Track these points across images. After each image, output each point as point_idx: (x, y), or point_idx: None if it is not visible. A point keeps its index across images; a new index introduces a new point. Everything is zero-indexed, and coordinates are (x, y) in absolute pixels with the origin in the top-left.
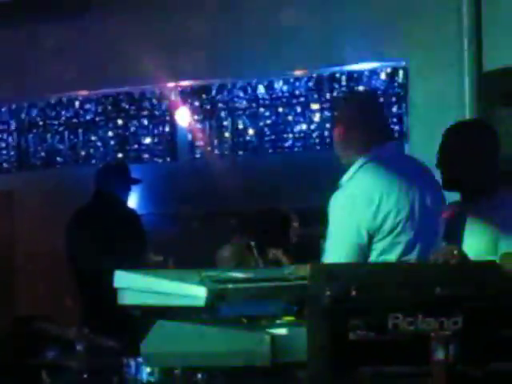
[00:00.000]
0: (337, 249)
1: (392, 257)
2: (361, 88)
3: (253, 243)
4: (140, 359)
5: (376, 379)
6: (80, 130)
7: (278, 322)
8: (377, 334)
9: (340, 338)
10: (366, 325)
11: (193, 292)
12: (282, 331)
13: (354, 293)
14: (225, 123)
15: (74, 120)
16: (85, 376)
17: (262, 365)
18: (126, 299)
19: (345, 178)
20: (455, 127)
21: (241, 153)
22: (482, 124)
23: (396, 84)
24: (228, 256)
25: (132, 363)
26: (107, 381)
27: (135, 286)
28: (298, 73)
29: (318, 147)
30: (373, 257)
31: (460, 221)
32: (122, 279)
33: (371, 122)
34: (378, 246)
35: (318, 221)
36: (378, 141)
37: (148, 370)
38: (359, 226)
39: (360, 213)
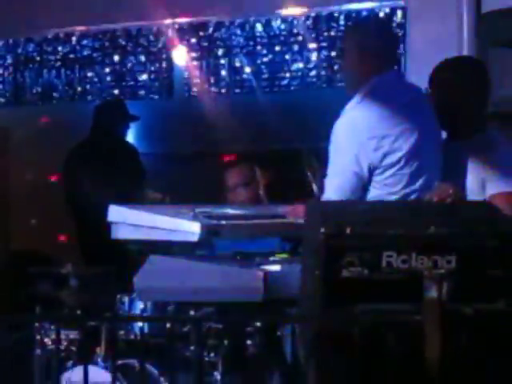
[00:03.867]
0: (337, 177)
1: (395, 189)
2: (366, 15)
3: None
4: (133, 295)
5: (369, 316)
6: (77, 66)
7: (271, 258)
8: (370, 272)
9: (333, 274)
10: (359, 262)
11: (186, 227)
12: (276, 268)
13: (348, 230)
14: (222, 61)
15: (71, 55)
16: (78, 312)
17: (255, 300)
18: (119, 234)
19: (348, 106)
20: (446, 62)
21: (237, 91)
22: (473, 60)
23: (394, 24)
24: (235, 176)
25: (126, 299)
26: (99, 316)
27: (129, 221)
28: (296, 11)
29: (315, 86)
30: (376, 189)
31: (453, 158)
32: (116, 213)
33: (377, 48)
34: (380, 179)
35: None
36: (383, 68)
37: (141, 305)
38: (359, 156)
39: (361, 144)
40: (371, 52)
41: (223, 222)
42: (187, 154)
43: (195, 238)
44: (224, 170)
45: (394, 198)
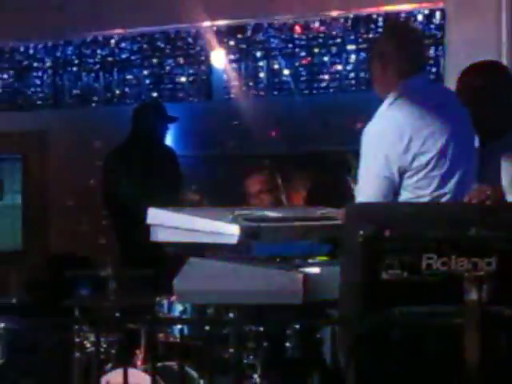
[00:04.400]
0: (367, 182)
1: (425, 192)
2: (399, 20)
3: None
4: (173, 298)
5: (408, 319)
6: (115, 69)
7: (310, 261)
8: (410, 274)
9: (373, 277)
10: (399, 265)
11: (225, 230)
12: (315, 270)
13: (387, 232)
14: (260, 63)
15: (110, 58)
16: (117, 314)
17: (295, 303)
18: (159, 236)
19: (377, 112)
20: (471, 66)
21: (276, 93)
22: (499, 64)
23: (433, 26)
24: (254, 186)
25: (165, 302)
26: (138, 318)
27: (168, 223)
28: (334, 13)
29: (354, 88)
30: (407, 192)
31: (487, 160)
32: (155, 216)
33: (407, 54)
34: (410, 182)
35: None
36: (412, 73)
37: (180, 308)
38: (389, 161)
39: (390, 148)
40: (398, 57)
41: (262, 225)
42: (226, 155)
43: (234, 241)
44: (245, 178)
45: (424, 200)
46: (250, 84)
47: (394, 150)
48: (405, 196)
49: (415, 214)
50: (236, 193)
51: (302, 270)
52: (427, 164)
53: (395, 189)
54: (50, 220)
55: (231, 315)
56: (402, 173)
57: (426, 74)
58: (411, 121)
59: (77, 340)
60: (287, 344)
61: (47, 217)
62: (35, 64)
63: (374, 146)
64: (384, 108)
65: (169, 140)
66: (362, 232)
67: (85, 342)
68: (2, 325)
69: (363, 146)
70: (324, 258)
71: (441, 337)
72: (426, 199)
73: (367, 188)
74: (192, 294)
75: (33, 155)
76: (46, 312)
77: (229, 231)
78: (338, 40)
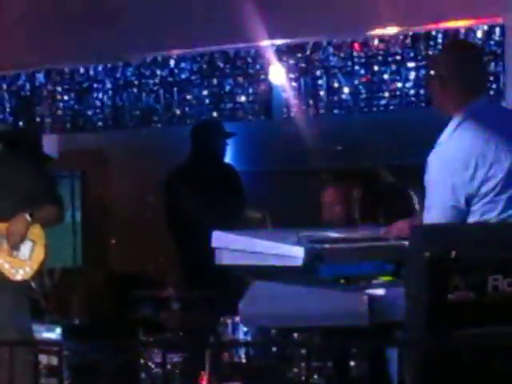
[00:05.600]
0: (434, 210)
1: (492, 215)
2: (459, 39)
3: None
4: (236, 318)
5: (475, 340)
6: (175, 89)
7: (375, 281)
8: (476, 295)
9: (439, 298)
10: (465, 286)
11: (290, 252)
12: (380, 291)
13: (453, 254)
14: (320, 82)
15: (169, 79)
16: (180, 334)
17: (361, 325)
18: (224, 259)
19: (442, 137)
20: None
21: (336, 111)
22: None
23: (492, 42)
24: (330, 199)
25: (229, 322)
26: (203, 339)
27: (233, 246)
28: (393, 30)
29: (414, 105)
30: (473, 217)
31: None
32: (220, 239)
33: (469, 74)
34: (477, 208)
35: (413, 179)
36: (475, 94)
37: (245, 328)
38: (457, 189)
39: (457, 176)
40: (460, 78)
41: (327, 246)
42: (287, 171)
43: (299, 263)
44: (321, 188)
45: None
46: (310, 102)
47: (460, 178)
48: (471, 221)
49: (481, 235)
50: (298, 208)
51: (367, 291)
52: (494, 188)
53: (462, 217)
54: (110, 238)
55: (295, 335)
56: (469, 200)
57: (487, 95)
58: (477, 147)
59: (142, 361)
60: (352, 363)
61: (105, 236)
62: (95, 85)
63: (440, 174)
64: (448, 133)
65: (229, 156)
66: (427, 253)
67: (150, 363)
68: (67, 347)
69: (429, 172)
70: (388, 278)
71: (508, 357)
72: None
73: (434, 217)
74: (258, 317)
75: (92, 173)
76: (109, 332)
77: (294, 254)
78: (398, 57)
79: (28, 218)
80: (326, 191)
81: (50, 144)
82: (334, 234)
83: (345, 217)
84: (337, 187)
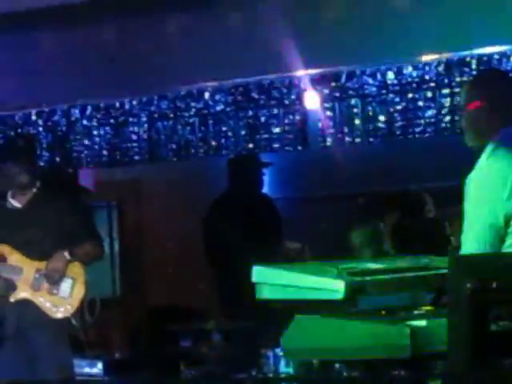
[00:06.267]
0: (473, 231)
1: None
2: (492, 67)
3: (382, 225)
4: (277, 350)
5: None
6: (210, 121)
7: (416, 312)
8: None
9: (481, 329)
10: (507, 315)
11: (331, 286)
12: (422, 323)
13: (494, 284)
14: (355, 110)
15: (205, 111)
16: (222, 367)
17: (403, 357)
18: (265, 294)
19: (479, 163)
20: None
21: (371, 139)
22: None
23: None
24: (358, 242)
25: (270, 354)
26: (245, 372)
27: (273, 281)
28: (427, 57)
29: (449, 132)
30: (511, 238)
31: None
32: (260, 274)
33: (505, 100)
34: None
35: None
36: (509, 120)
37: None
38: (495, 208)
39: (495, 194)
40: (499, 103)
41: (367, 279)
42: (323, 196)
43: (340, 296)
44: (349, 230)
45: None
46: (346, 131)
47: (498, 197)
48: (509, 242)
49: None
50: (335, 239)
51: (408, 322)
52: None
53: (501, 236)
54: (147, 268)
55: (337, 366)
56: (507, 219)
57: None
58: None
59: None
60: None
61: (142, 268)
62: (131, 119)
63: (478, 195)
64: (484, 158)
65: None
66: (468, 284)
67: None
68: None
69: (467, 196)
70: (430, 308)
71: None
72: None
73: (473, 237)
74: (299, 351)
75: (128, 203)
76: (149, 366)
77: (334, 287)
78: (432, 84)
79: (67, 255)
80: (353, 234)
81: (86, 176)
82: (373, 265)
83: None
84: (363, 229)
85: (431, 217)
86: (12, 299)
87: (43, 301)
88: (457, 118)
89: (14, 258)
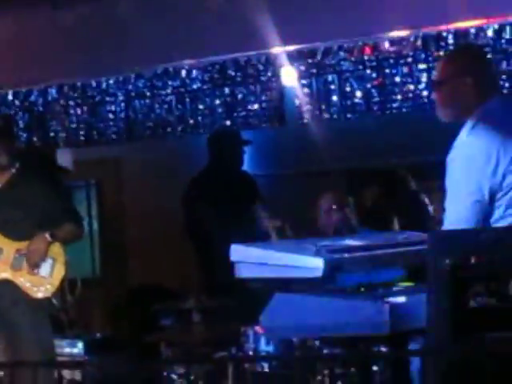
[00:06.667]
0: (459, 207)
1: None
2: (468, 43)
3: (350, 198)
4: (257, 328)
5: (497, 346)
6: (187, 99)
7: (395, 288)
8: (498, 301)
9: (460, 305)
10: (486, 292)
11: (310, 263)
12: (401, 299)
13: (473, 259)
14: (332, 86)
15: (181, 89)
16: (203, 346)
17: (382, 334)
18: (243, 272)
19: (458, 140)
20: None
21: (349, 115)
22: None
23: (503, 40)
24: (325, 203)
25: (250, 332)
26: (226, 350)
27: (251, 259)
28: (403, 33)
29: (427, 107)
30: (498, 213)
31: None
32: (238, 252)
33: (483, 74)
34: (501, 202)
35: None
36: (488, 95)
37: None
38: (480, 184)
39: (479, 171)
40: (478, 78)
41: (346, 256)
42: (299, 173)
43: (319, 274)
44: (317, 195)
45: None
46: (323, 107)
47: (483, 173)
48: (496, 216)
49: (500, 240)
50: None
51: (387, 299)
52: None
53: (487, 212)
54: (125, 250)
55: (317, 343)
56: (493, 195)
57: (500, 95)
58: (496, 142)
59: (164, 373)
60: (375, 368)
61: (123, 246)
62: (108, 98)
63: (462, 172)
64: (465, 135)
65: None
66: (448, 260)
67: (172, 375)
68: (89, 362)
69: (450, 174)
70: (408, 284)
71: None
72: None
73: (459, 213)
74: (279, 329)
75: (107, 182)
76: (131, 345)
77: (313, 265)
78: (409, 59)
79: (48, 237)
80: (322, 198)
81: (64, 155)
82: (351, 242)
83: (340, 222)
84: (332, 194)
85: (412, 192)
86: None
87: (23, 281)
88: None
89: None
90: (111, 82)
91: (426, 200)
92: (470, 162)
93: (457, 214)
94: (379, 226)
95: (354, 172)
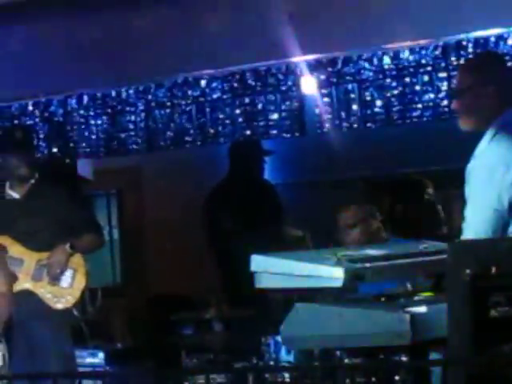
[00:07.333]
0: (477, 216)
1: None
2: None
3: (374, 208)
4: (278, 338)
5: None
6: (207, 109)
7: (416, 298)
8: None
9: (481, 315)
10: (507, 302)
11: (330, 273)
12: (421, 309)
13: (494, 270)
14: (352, 95)
15: (201, 99)
16: (223, 355)
17: (403, 344)
18: (264, 283)
19: (479, 149)
20: None
21: (369, 125)
22: None
23: None
24: (348, 217)
25: (271, 342)
26: (246, 360)
27: (271, 270)
28: (423, 41)
29: (447, 116)
30: None
31: None
32: (258, 262)
33: (506, 85)
34: None
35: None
36: (510, 105)
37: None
38: (499, 193)
39: (499, 179)
40: (500, 87)
41: (367, 265)
42: (322, 181)
43: (339, 284)
44: (336, 212)
45: None
46: (343, 116)
47: (503, 182)
48: None
49: None
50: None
51: (408, 309)
52: None
53: (505, 222)
54: (147, 256)
55: (338, 352)
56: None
57: None
58: None
59: (185, 383)
60: (396, 378)
61: (145, 253)
62: (128, 108)
63: (482, 181)
64: (485, 144)
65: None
66: (467, 270)
67: None
68: (110, 372)
69: (469, 183)
70: (429, 294)
71: None
72: None
73: (477, 223)
74: (299, 339)
75: (128, 191)
76: (151, 355)
77: (333, 275)
78: (429, 68)
79: (68, 248)
80: (340, 215)
81: (84, 165)
82: (372, 252)
83: (363, 239)
84: (351, 210)
85: (430, 201)
86: (13, 290)
87: (44, 292)
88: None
89: (15, 249)
90: (131, 91)
91: (439, 208)
92: (489, 172)
93: (475, 223)
94: (405, 235)
95: (375, 181)
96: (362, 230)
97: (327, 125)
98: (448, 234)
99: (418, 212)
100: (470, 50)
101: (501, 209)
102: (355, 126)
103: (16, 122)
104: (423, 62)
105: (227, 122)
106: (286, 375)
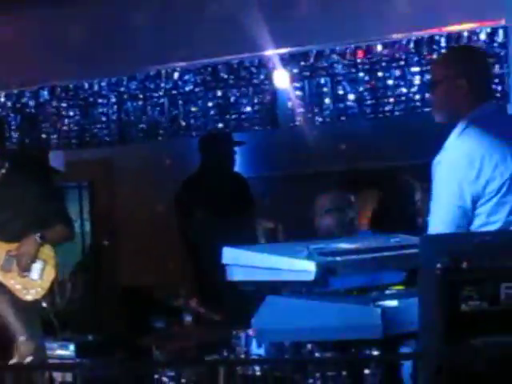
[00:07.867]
0: (440, 212)
1: (498, 217)
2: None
3: (352, 198)
4: (249, 332)
5: (489, 350)
6: (180, 102)
7: (387, 292)
8: (489, 305)
9: (452, 309)
10: (478, 295)
11: (302, 267)
12: (393, 303)
13: (465, 264)
14: (324, 89)
15: (174, 91)
16: (193, 347)
17: (374, 338)
18: (235, 275)
19: (447, 143)
20: None
21: (342, 118)
22: None
23: (496, 44)
24: (325, 202)
25: (242, 335)
26: (216, 352)
27: (243, 262)
28: (396, 36)
29: (420, 110)
30: (479, 220)
31: None
32: (230, 255)
33: (478, 79)
34: (483, 209)
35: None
36: (482, 99)
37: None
38: (462, 189)
39: (462, 176)
40: (471, 81)
41: (338, 259)
42: (293, 175)
43: (311, 277)
44: (309, 197)
45: (497, 226)
46: (316, 110)
47: (466, 177)
48: (477, 223)
49: (491, 243)
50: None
51: (379, 303)
52: (499, 189)
53: (468, 218)
54: (116, 250)
55: (309, 346)
56: (475, 200)
57: (494, 100)
58: (482, 147)
59: (155, 376)
60: (366, 371)
61: (114, 247)
62: (100, 100)
63: (446, 176)
64: (454, 138)
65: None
66: (439, 264)
67: (163, 378)
68: (81, 367)
69: (435, 176)
70: (400, 288)
71: None
72: (498, 225)
73: (440, 217)
74: (271, 332)
75: (100, 183)
76: (122, 347)
77: (305, 268)
78: (402, 62)
79: (38, 239)
80: (319, 199)
81: (56, 156)
82: (344, 245)
83: (338, 226)
84: (331, 195)
85: (406, 192)
86: None
87: (14, 283)
88: (427, 95)
89: None
90: (103, 83)
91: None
92: (454, 166)
93: (438, 217)
94: (380, 227)
95: (346, 174)
96: (337, 217)
97: (300, 118)
98: (424, 226)
99: (393, 204)
100: (443, 44)
101: (463, 205)
102: (328, 119)
103: None
104: (396, 56)
105: (199, 114)
106: (257, 368)
